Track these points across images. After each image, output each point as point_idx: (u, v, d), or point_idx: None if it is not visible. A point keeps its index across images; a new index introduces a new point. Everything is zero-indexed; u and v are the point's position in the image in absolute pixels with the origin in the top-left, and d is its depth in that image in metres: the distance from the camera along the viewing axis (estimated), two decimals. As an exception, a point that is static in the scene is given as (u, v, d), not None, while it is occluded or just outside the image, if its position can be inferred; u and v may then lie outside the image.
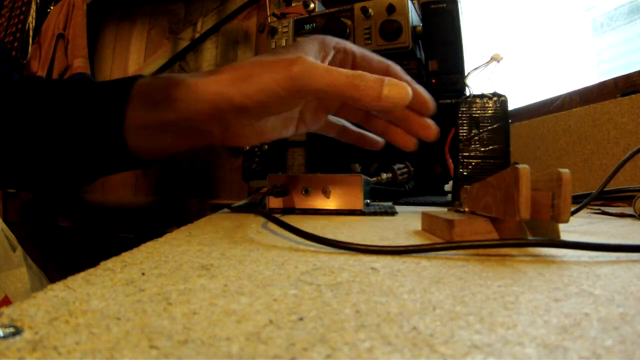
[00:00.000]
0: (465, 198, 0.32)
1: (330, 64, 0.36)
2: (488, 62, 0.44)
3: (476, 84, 0.46)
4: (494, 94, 0.46)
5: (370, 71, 0.33)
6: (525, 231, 0.26)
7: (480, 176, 0.45)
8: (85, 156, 0.35)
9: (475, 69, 0.45)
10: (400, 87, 0.30)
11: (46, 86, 0.36)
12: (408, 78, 0.37)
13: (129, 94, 0.34)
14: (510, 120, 0.46)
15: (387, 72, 0.37)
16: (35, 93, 0.35)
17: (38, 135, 0.34)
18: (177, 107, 0.33)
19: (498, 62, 0.44)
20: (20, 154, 0.35)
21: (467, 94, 0.48)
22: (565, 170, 0.21)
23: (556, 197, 0.21)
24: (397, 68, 0.38)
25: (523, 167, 0.22)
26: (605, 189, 0.44)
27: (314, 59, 0.33)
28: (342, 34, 0.80)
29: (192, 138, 0.35)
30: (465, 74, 0.46)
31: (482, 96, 0.47)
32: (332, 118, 0.43)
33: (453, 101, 0.69)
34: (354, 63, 0.38)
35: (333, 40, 0.36)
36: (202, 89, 0.33)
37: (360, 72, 0.31)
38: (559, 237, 0.27)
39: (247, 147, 0.95)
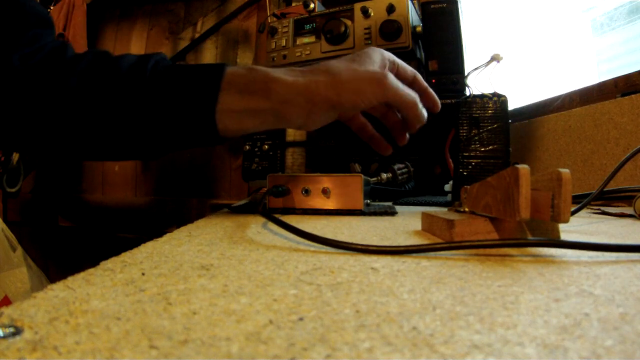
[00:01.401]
0: (465, 198, 0.32)
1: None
2: (488, 62, 0.44)
3: (476, 83, 0.47)
4: (494, 94, 0.46)
5: (405, 77, 0.45)
6: (525, 231, 0.26)
7: (480, 176, 0.46)
8: (175, 133, 0.40)
9: (476, 69, 0.45)
10: (424, 115, 0.44)
11: (121, 67, 0.39)
12: (425, 84, 0.47)
13: (221, 80, 0.39)
14: (510, 120, 0.46)
15: (414, 79, 0.46)
16: (112, 75, 0.39)
17: (119, 116, 0.38)
18: (274, 98, 0.39)
19: (498, 62, 0.44)
20: (111, 127, 0.39)
21: (467, 94, 0.48)
22: (565, 170, 0.21)
23: (556, 197, 0.21)
24: (419, 76, 0.47)
25: (523, 167, 0.22)
26: (605, 189, 0.44)
27: (386, 70, 0.42)
28: (342, 34, 0.80)
29: (276, 122, 0.41)
30: (466, 74, 0.46)
31: (482, 96, 0.47)
32: (360, 115, 0.50)
33: (453, 101, 0.69)
34: (397, 70, 0.46)
35: (387, 54, 0.45)
36: (300, 88, 0.39)
37: (416, 98, 0.43)
38: (559, 237, 0.27)
39: (247, 148, 0.95)
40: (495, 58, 0.44)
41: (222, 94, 0.39)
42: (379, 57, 0.43)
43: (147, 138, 0.40)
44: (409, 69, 0.47)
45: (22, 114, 0.38)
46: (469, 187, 0.32)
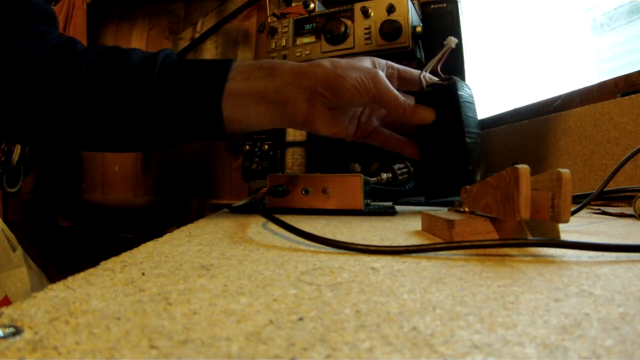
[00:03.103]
0: (465, 198, 0.32)
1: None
2: (445, 51, 0.44)
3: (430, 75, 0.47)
4: (445, 79, 0.46)
5: (411, 80, 0.48)
6: (525, 231, 0.26)
7: (446, 164, 0.46)
8: (181, 123, 0.41)
9: (431, 61, 0.46)
10: (428, 113, 0.45)
11: (130, 55, 0.41)
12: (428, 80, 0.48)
13: (228, 70, 0.41)
14: (460, 101, 0.44)
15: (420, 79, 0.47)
16: (121, 69, 0.40)
17: (131, 100, 0.39)
18: (278, 80, 0.41)
19: (453, 47, 0.44)
20: (119, 120, 0.40)
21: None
22: (565, 170, 0.21)
23: (556, 197, 0.21)
24: (428, 77, 0.47)
25: (523, 167, 0.22)
26: (605, 189, 0.44)
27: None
28: (342, 34, 0.80)
29: (279, 112, 0.42)
30: (424, 69, 0.46)
31: (432, 85, 0.46)
32: (381, 128, 0.51)
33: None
34: (399, 76, 0.48)
35: (382, 61, 0.47)
36: (304, 70, 0.42)
37: (406, 101, 0.44)
38: (559, 237, 0.27)
39: (247, 148, 0.95)
40: (448, 43, 0.44)
41: (229, 82, 0.40)
42: (370, 61, 0.46)
43: (155, 129, 0.41)
44: (414, 70, 0.48)
45: (27, 102, 0.38)
46: (469, 187, 0.32)
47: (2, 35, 0.38)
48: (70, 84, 0.38)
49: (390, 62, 0.48)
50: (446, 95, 0.45)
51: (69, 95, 0.38)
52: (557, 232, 0.27)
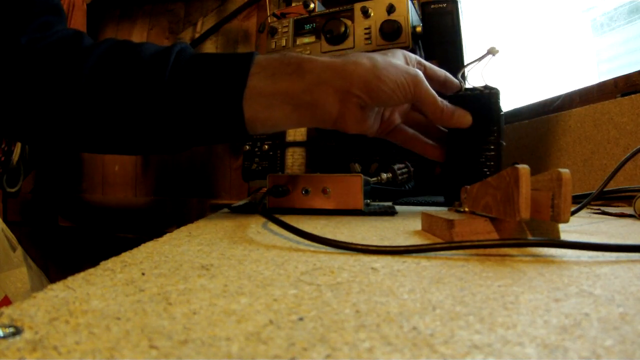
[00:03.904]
0: (465, 198, 0.32)
1: None
2: (484, 56, 0.44)
3: (470, 78, 0.47)
4: (486, 87, 0.46)
5: (435, 77, 0.45)
6: (525, 231, 0.26)
7: (474, 171, 0.46)
8: (199, 123, 0.37)
9: (470, 63, 0.46)
10: (467, 117, 0.44)
11: (141, 49, 0.38)
12: (451, 81, 0.47)
13: (251, 64, 0.37)
14: (502, 113, 0.46)
15: (445, 79, 0.46)
16: (133, 62, 0.37)
17: (153, 98, 0.36)
18: (308, 79, 0.37)
19: (494, 55, 0.44)
20: (137, 120, 0.37)
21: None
22: (565, 170, 0.21)
23: (556, 197, 0.21)
24: (450, 76, 0.47)
25: (523, 167, 0.22)
26: (605, 189, 0.44)
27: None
28: (342, 34, 0.80)
29: (310, 111, 0.38)
30: (461, 70, 0.46)
31: (473, 89, 0.47)
32: (405, 126, 0.49)
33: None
34: (425, 73, 0.44)
35: (412, 56, 0.44)
36: (338, 68, 0.37)
37: (443, 103, 0.42)
38: (559, 237, 0.27)
39: (247, 148, 0.95)
40: (491, 51, 0.44)
41: (251, 78, 0.36)
42: (402, 56, 0.43)
43: (169, 129, 0.38)
44: (438, 69, 0.46)
45: (28, 96, 0.36)
46: (469, 187, 0.32)
47: (3, 25, 0.36)
48: (76, 78, 0.35)
49: (418, 58, 0.45)
50: (488, 103, 0.46)
51: (74, 90, 0.35)
52: (557, 232, 0.27)
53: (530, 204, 0.22)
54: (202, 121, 0.37)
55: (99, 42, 0.39)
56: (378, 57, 0.40)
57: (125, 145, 0.41)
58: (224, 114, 0.37)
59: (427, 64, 0.46)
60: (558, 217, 0.21)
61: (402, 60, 0.42)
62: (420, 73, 0.41)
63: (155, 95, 0.36)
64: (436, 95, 0.41)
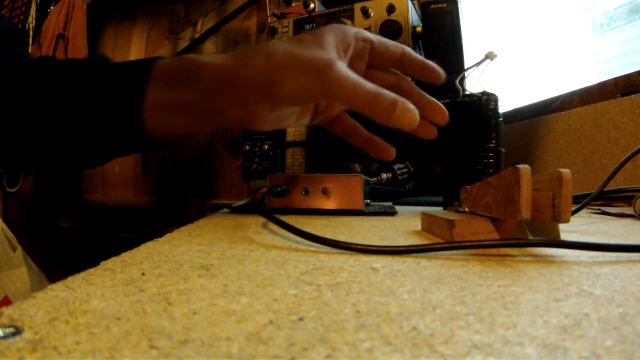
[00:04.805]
0: (465, 198, 0.32)
1: (351, 54, 0.36)
2: (481, 61, 0.44)
3: (469, 84, 0.47)
4: (483, 93, 0.46)
5: (388, 55, 0.36)
6: (525, 231, 0.26)
7: (471, 176, 0.46)
8: (101, 135, 0.35)
9: (468, 68, 0.45)
10: (410, 114, 0.30)
11: (64, 66, 0.36)
12: (420, 60, 0.37)
13: (148, 73, 0.33)
14: (501, 119, 0.46)
15: (401, 56, 0.37)
16: (51, 72, 0.35)
17: (53, 113, 0.34)
18: (201, 87, 0.33)
19: (492, 60, 0.43)
20: (36, 132, 0.35)
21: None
22: (565, 170, 0.21)
23: (557, 197, 0.21)
24: (409, 50, 0.38)
25: (524, 167, 0.22)
26: (605, 189, 0.44)
27: (337, 55, 0.33)
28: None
29: (210, 120, 0.35)
30: (459, 74, 0.46)
31: (470, 96, 0.47)
32: (345, 115, 0.42)
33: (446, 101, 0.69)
34: (372, 50, 0.37)
35: (352, 31, 0.36)
36: (228, 74, 0.33)
37: (379, 91, 0.31)
38: (559, 237, 0.27)
39: (247, 148, 0.95)
40: (489, 56, 0.44)
41: (149, 88, 0.33)
42: (334, 40, 0.34)
43: (70, 141, 0.35)
44: (392, 43, 0.37)
45: None
46: (469, 187, 0.32)
47: None
48: None
49: (364, 33, 0.37)
50: (487, 109, 0.45)
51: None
52: (558, 232, 0.27)
53: (530, 204, 0.22)
54: (103, 135, 0.35)
55: (37, 58, 0.37)
56: (281, 49, 0.33)
57: (35, 158, 0.38)
58: (124, 127, 0.34)
59: (377, 38, 0.37)
60: (559, 217, 0.21)
61: (331, 42, 0.34)
62: (336, 64, 0.31)
63: (53, 107, 0.34)
64: (359, 80, 0.31)
